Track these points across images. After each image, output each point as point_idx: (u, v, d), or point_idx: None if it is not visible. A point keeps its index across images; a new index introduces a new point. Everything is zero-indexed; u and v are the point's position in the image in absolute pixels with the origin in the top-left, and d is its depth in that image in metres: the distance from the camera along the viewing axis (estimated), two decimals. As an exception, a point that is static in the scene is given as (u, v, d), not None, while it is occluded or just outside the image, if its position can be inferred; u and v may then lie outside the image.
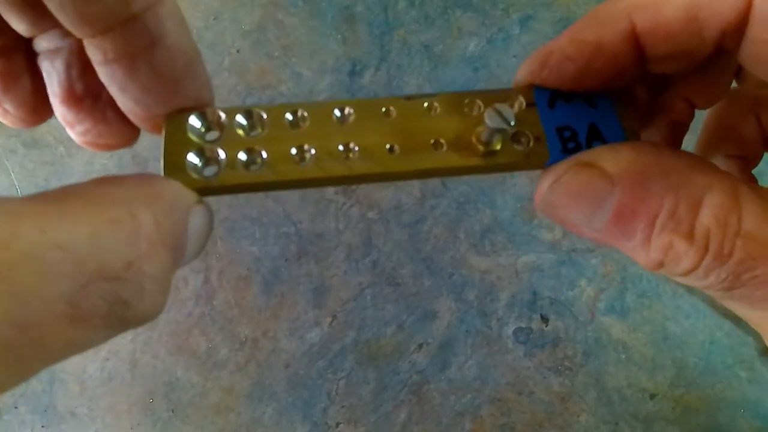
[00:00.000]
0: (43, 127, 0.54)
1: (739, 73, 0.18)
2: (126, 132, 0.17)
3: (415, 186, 0.54)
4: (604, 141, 0.16)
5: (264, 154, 0.16)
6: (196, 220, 0.14)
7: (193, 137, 0.16)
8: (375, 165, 0.16)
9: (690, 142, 0.21)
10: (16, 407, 0.51)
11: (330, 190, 0.54)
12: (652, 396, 0.51)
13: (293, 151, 0.16)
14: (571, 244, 0.54)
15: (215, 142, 0.16)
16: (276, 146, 0.16)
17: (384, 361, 0.52)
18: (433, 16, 0.58)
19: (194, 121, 0.16)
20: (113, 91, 0.15)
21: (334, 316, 0.52)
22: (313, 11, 0.58)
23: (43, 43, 0.16)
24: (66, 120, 0.17)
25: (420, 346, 0.52)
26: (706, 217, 0.13)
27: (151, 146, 0.50)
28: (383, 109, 0.17)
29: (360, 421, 0.51)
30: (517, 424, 0.51)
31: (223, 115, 0.16)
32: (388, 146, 0.16)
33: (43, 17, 0.15)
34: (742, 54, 0.15)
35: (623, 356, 0.52)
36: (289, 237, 0.53)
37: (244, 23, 0.58)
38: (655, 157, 0.14)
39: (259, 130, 0.16)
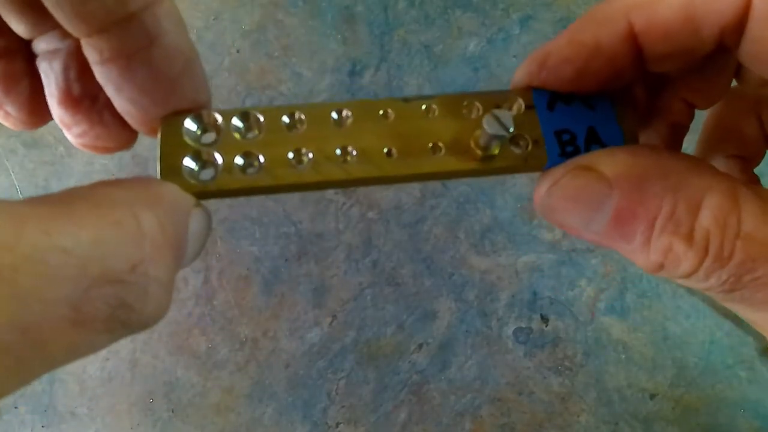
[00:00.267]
0: (43, 128, 0.54)
1: (739, 71, 0.18)
2: (123, 135, 0.17)
3: (415, 186, 0.54)
4: (602, 144, 0.16)
5: (261, 158, 0.16)
6: (195, 222, 0.14)
7: (189, 141, 0.16)
8: (373, 169, 0.16)
9: (690, 142, 0.21)
10: (16, 407, 0.51)
11: (330, 191, 0.54)
12: (652, 396, 0.51)
13: (290, 155, 0.16)
14: (571, 244, 0.54)
15: (212, 145, 0.16)
16: (273, 150, 0.16)
17: (384, 361, 0.52)
18: (433, 16, 0.58)
19: (190, 124, 0.16)
20: (110, 91, 0.15)
21: (334, 316, 0.52)
22: (313, 11, 0.58)
23: (41, 45, 0.16)
24: (63, 122, 0.17)
25: (420, 346, 0.52)
26: (706, 218, 0.13)
27: (151, 147, 0.50)
28: (381, 112, 0.17)
29: (360, 421, 0.51)
30: (517, 424, 0.51)
31: (219, 118, 0.16)
32: (385, 150, 0.16)
33: (42, 18, 0.15)
34: (741, 52, 0.15)
35: (623, 356, 0.52)
36: (289, 237, 0.53)
37: (244, 23, 0.58)
38: (652, 159, 0.14)
39: (256, 132, 0.16)
